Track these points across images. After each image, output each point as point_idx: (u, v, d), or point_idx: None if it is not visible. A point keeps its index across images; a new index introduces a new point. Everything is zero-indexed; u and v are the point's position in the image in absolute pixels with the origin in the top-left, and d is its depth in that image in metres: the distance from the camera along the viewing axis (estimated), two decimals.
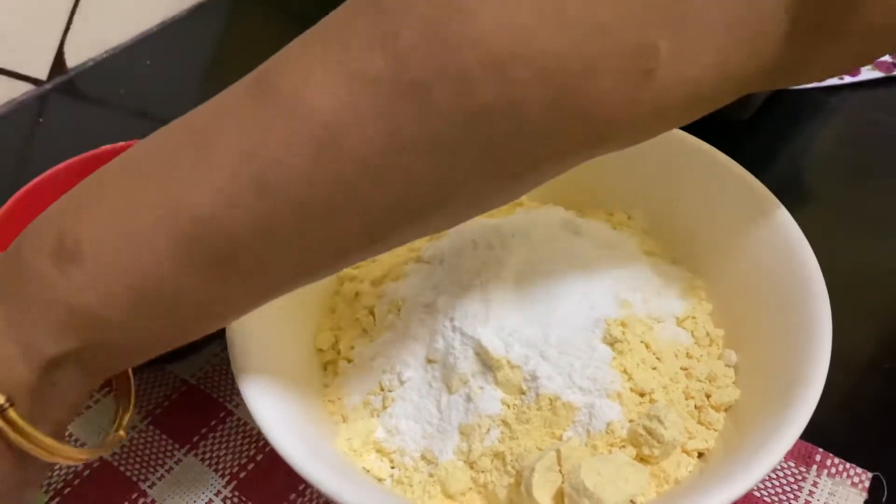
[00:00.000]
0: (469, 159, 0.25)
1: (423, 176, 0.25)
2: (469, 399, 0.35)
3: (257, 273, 0.28)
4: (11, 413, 0.27)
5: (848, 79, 0.66)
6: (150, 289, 0.27)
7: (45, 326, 0.27)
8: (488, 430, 0.35)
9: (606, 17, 0.24)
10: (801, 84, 0.32)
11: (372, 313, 0.41)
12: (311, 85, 0.25)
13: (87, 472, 0.44)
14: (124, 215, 0.27)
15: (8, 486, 0.29)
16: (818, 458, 0.43)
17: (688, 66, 0.25)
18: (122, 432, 0.34)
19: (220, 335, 0.37)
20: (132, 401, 0.34)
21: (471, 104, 0.24)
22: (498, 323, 0.36)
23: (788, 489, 0.42)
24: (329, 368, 0.41)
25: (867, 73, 0.66)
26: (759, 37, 0.26)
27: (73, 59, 0.75)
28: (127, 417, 0.34)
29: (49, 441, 0.28)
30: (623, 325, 0.37)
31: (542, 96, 0.24)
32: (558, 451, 0.33)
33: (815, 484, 0.42)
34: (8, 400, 0.27)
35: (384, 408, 0.38)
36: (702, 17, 0.25)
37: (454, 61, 0.24)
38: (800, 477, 0.43)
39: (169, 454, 0.45)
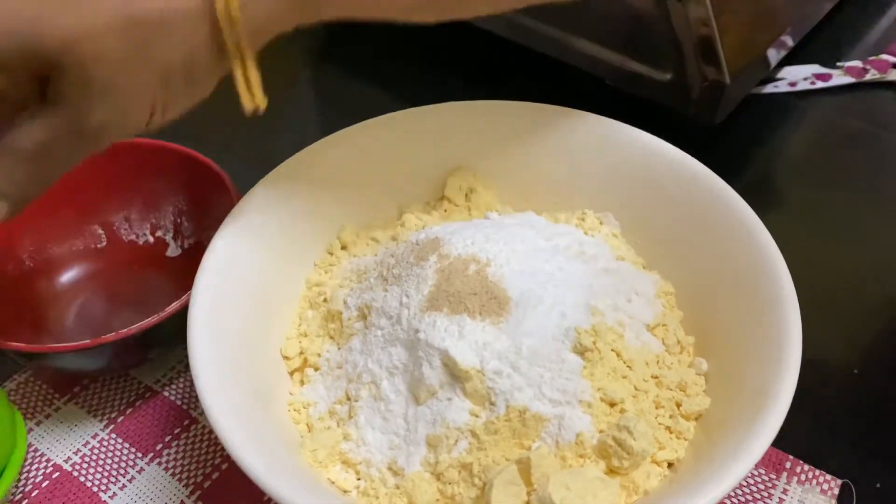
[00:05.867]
0: None
1: None
2: (437, 410, 0.35)
3: None
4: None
5: (819, 84, 0.66)
6: None
7: None
8: (456, 441, 0.34)
9: None
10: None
11: (339, 319, 0.40)
12: None
13: (45, 483, 0.43)
14: None
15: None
16: (788, 465, 0.43)
17: None
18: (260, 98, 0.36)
19: (185, 338, 0.36)
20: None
21: None
22: (471, 336, 0.35)
23: (759, 496, 0.42)
24: (295, 376, 0.41)
25: (838, 79, 0.66)
26: None
27: None
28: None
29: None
30: (594, 333, 0.36)
31: None
32: (519, 464, 0.33)
33: (784, 491, 0.42)
34: None
35: (350, 417, 0.37)
36: None
37: None
38: (770, 484, 0.42)
39: (131, 463, 0.44)
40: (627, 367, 0.37)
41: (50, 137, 0.33)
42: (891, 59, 0.67)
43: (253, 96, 0.35)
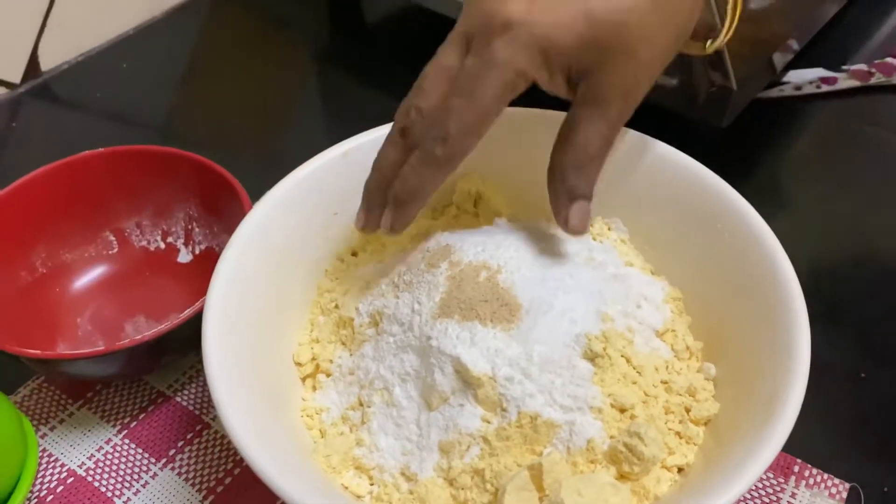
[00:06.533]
0: None
1: None
2: (449, 416, 0.35)
3: None
4: None
5: (825, 87, 0.66)
6: None
7: None
8: (468, 447, 0.35)
9: None
10: None
11: (351, 326, 0.41)
12: None
13: (60, 489, 0.44)
14: None
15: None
16: (797, 469, 0.43)
17: None
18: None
19: (197, 345, 0.37)
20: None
21: None
22: (483, 343, 0.36)
23: (767, 500, 0.42)
24: (307, 382, 0.41)
25: (843, 82, 0.66)
26: None
27: (47, 63, 0.74)
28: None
29: None
30: (604, 339, 0.37)
31: None
32: (531, 469, 0.33)
33: (793, 495, 0.42)
34: None
35: (363, 423, 0.37)
36: None
37: None
38: (778, 488, 0.43)
39: (145, 468, 0.45)
40: (637, 372, 0.37)
41: (603, 130, 0.35)
42: None
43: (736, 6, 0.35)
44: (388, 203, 0.37)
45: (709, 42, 0.38)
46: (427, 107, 0.35)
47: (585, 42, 0.32)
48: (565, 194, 0.37)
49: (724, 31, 0.37)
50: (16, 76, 0.72)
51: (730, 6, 0.34)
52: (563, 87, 0.35)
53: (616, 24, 0.32)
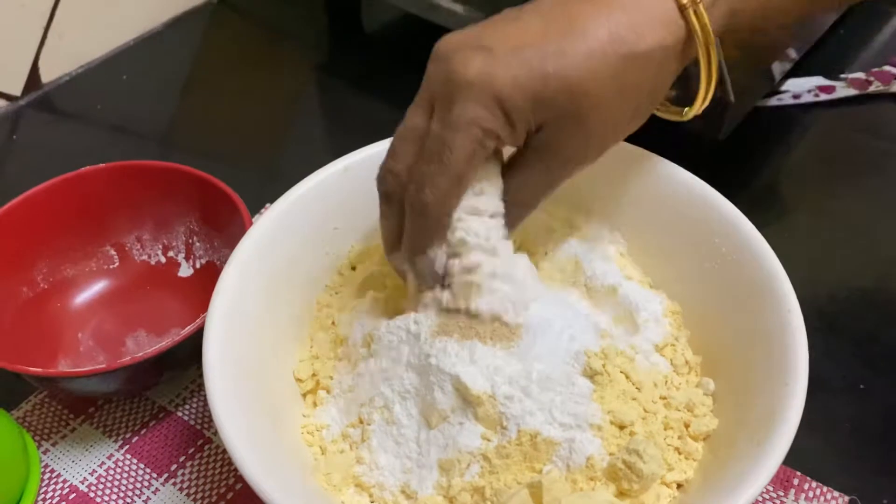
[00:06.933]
0: None
1: None
2: (448, 434, 0.35)
3: None
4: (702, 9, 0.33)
5: (823, 96, 0.66)
6: None
7: None
8: (468, 465, 0.35)
9: None
10: None
11: (348, 344, 0.41)
12: None
13: None
14: None
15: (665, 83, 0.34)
16: (796, 482, 0.43)
17: None
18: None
19: (199, 360, 0.37)
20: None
21: None
22: (482, 361, 0.36)
23: None
24: (308, 398, 0.41)
25: (842, 91, 0.66)
26: None
27: (47, 75, 0.74)
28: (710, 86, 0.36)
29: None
30: (603, 356, 0.37)
31: None
32: (531, 487, 0.33)
33: None
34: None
35: (363, 440, 0.38)
36: None
37: None
38: (778, 501, 0.43)
39: (146, 483, 0.45)
40: (636, 388, 0.38)
41: (541, 182, 0.36)
42: (894, 70, 0.68)
43: (710, 82, 0.36)
44: (406, 262, 0.38)
45: (685, 109, 0.38)
46: (400, 169, 0.35)
47: (539, 100, 0.32)
48: None
49: (699, 102, 0.37)
50: (16, 88, 0.72)
51: (703, 80, 0.35)
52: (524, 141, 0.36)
53: (570, 87, 0.32)
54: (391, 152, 0.36)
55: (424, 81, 0.35)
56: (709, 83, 0.35)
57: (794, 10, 0.38)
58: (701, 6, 0.33)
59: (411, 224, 0.36)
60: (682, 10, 0.33)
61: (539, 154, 0.35)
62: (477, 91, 0.32)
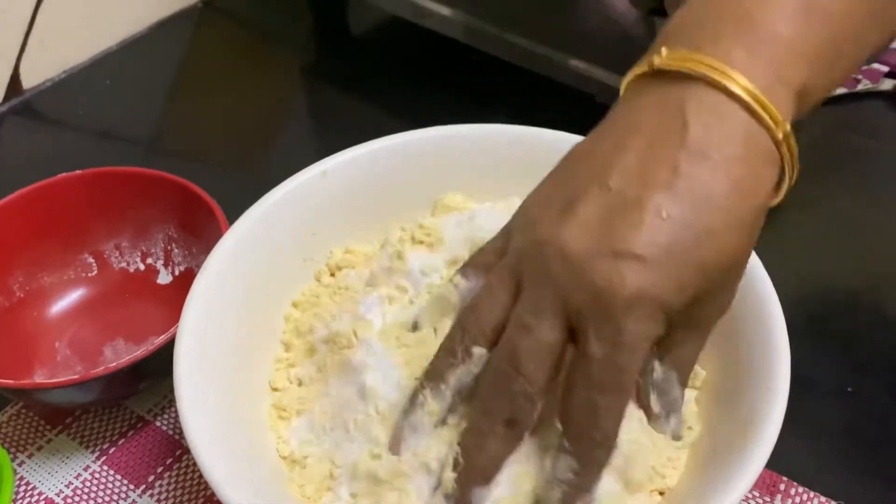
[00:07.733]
0: None
1: None
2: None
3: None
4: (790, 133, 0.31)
5: None
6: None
7: (783, 66, 0.31)
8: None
9: None
10: None
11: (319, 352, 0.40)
12: None
13: None
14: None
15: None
16: (782, 486, 0.43)
17: None
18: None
19: None
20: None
21: None
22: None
23: None
24: (283, 408, 0.40)
25: None
26: None
27: (29, 80, 0.73)
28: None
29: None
30: None
31: None
32: None
33: None
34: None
35: (337, 449, 0.37)
36: None
37: None
38: None
39: (123, 496, 0.44)
40: None
41: (697, 350, 0.34)
42: (882, 68, 0.67)
43: (793, 175, 0.33)
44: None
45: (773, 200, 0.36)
46: (537, 392, 0.31)
47: (699, 292, 0.31)
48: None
49: (783, 192, 0.35)
50: None
51: (787, 177, 0.32)
52: None
53: (727, 267, 0.31)
54: (515, 366, 0.31)
55: (558, 299, 0.31)
56: (791, 175, 0.33)
57: (853, 69, 0.37)
58: (790, 130, 0.31)
59: (584, 459, 0.31)
60: (777, 145, 0.31)
61: (691, 328, 0.33)
62: (645, 307, 0.30)
